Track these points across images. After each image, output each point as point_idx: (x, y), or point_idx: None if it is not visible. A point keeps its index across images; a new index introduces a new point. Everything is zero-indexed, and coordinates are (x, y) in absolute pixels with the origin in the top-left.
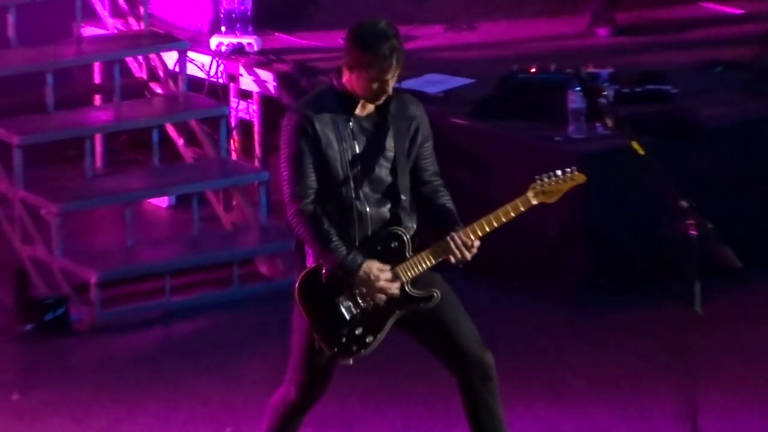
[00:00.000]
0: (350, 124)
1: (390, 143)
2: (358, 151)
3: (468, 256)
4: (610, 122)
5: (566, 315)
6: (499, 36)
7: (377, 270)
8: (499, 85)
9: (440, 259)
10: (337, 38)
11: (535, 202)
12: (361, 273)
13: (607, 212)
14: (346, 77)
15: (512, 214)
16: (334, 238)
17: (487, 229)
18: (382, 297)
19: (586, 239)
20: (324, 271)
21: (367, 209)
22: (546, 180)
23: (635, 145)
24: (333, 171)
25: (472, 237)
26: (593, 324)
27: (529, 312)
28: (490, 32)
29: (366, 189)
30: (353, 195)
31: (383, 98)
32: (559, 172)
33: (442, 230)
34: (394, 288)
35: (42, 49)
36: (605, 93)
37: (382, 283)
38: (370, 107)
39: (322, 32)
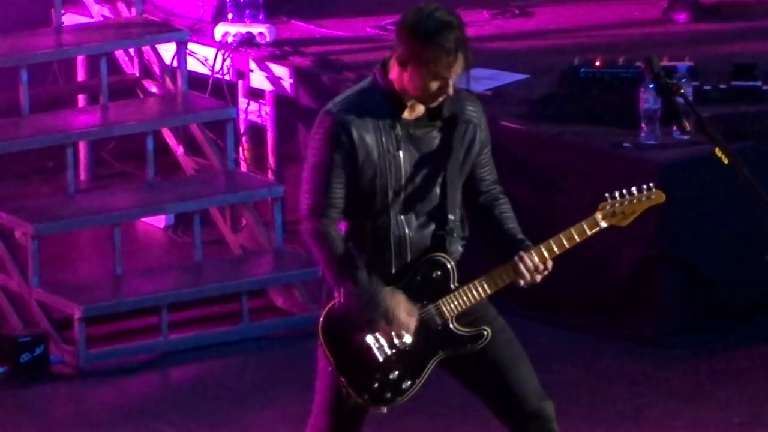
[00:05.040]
0: (396, 129)
1: (442, 153)
2: (403, 162)
3: (538, 280)
4: (689, 125)
5: (644, 360)
6: (558, 23)
7: (404, 303)
8: (559, 81)
9: (502, 286)
10: (365, 26)
11: (604, 224)
12: (383, 303)
13: (693, 235)
14: (396, 74)
15: (577, 239)
16: (355, 261)
17: (547, 257)
18: (401, 335)
19: (667, 269)
20: (337, 300)
21: (407, 231)
22: (618, 199)
23: (719, 152)
24: (371, 186)
25: (546, 257)
26: (677, 371)
27: (599, 355)
28: (548, 18)
29: (409, 208)
30: (393, 215)
31: (441, 100)
32: (634, 190)
33: (504, 247)
34: (410, 329)
35: (15, 40)
36: (683, 90)
37: (402, 321)
38: (420, 109)
39: (346, 19)
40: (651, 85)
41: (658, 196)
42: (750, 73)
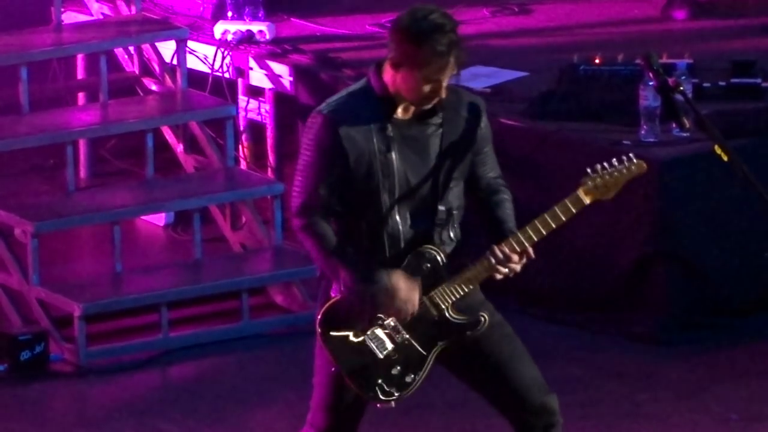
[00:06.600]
0: (387, 131)
1: (435, 152)
2: (395, 162)
3: (516, 269)
4: (688, 123)
5: (643, 357)
6: (557, 20)
7: (404, 280)
8: (558, 79)
9: (483, 279)
10: (364, 24)
11: (587, 200)
12: (382, 282)
13: (692, 232)
14: (389, 75)
15: (563, 218)
16: (347, 249)
17: (535, 239)
18: (407, 310)
19: (666, 265)
20: (338, 289)
21: (400, 228)
22: (600, 172)
23: (718, 149)
24: (364, 187)
25: (517, 249)
26: (676, 368)
27: (598, 353)
28: (547, 16)
29: (403, 207)
30: (387, 214)
31: (434, 102)
32: (615, 162)
33: (491, 235)
34: (414, 302)
35: (15, 38)
36: (682, 88)
37: (404, 293)
38: (414, 108)
39: (346, 17)
40: (650, 83)
41: (639, 167)
42: (749, 71)
